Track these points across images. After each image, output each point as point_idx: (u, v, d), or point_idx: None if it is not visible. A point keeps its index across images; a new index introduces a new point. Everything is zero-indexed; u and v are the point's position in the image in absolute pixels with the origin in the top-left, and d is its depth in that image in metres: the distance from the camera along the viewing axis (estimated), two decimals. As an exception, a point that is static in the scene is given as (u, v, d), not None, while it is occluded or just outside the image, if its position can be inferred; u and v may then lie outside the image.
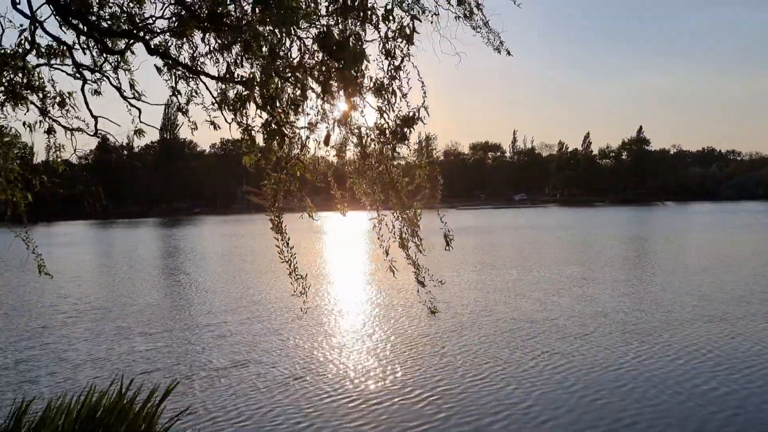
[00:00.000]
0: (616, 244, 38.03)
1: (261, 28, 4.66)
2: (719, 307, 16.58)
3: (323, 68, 4.86)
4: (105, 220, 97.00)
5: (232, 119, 5.32)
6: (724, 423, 8.78)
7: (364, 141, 5.18)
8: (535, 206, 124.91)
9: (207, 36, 5.22)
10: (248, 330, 15.26)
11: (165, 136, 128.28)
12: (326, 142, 5.22)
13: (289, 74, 4.92)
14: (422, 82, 4.92)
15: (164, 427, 7.28)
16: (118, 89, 6.30)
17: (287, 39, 4.68)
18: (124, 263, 33.68)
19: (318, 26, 4.78)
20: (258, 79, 4.89)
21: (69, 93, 6.38)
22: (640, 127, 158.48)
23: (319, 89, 5.00)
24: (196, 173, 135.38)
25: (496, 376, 11.10)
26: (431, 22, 4.91)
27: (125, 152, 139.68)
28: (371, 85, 4.87)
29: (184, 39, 5.47)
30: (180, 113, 6.05)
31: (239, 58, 4.99)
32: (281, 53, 4.74)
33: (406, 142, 5.13)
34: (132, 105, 6.41)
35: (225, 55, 5.11)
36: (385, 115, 5.00)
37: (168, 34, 5.51)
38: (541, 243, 39.96)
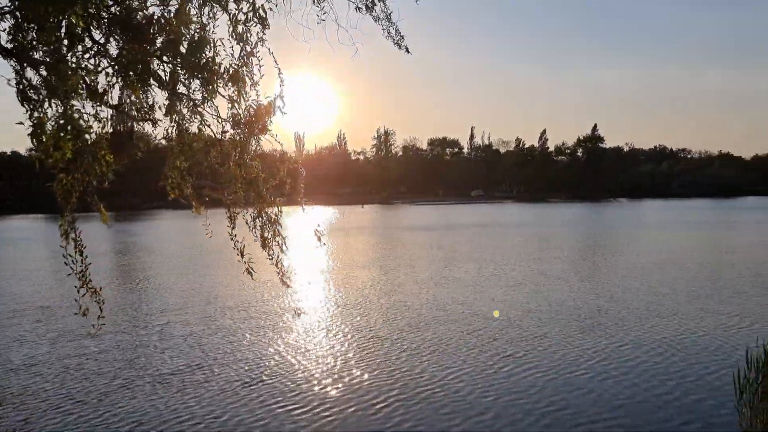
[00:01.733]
0: (570, 241, 38.59)
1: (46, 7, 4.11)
2: (669, 304, 16.88)
3: (132, 54, 4.39)
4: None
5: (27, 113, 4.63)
6: (678, 421, 8.83)
7: (183, 128, 4.79)
8: (492, 202, 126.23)
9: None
10: (198, 332, 14.76)
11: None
12: (130, 135, 4.80)
13: (92, 60, 4.40)
14: (279, 69, 4.62)
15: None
16: None
17: (79, 21, 4.17)
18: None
19: (119, 8, 4.34)
20: (48, 63, 4.34)
21: None
22: (595, 125, 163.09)
23: (117, 77, 4.51)
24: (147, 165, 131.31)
25: (451, 378, 10.95)
26: (276, 4, 4.62)
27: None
28: (222, 71, 4.51)
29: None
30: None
31: (33, 40, 4.42)
32: (81, 36, 4.25)
33: (265, 134, 4.81)
34: None
35: (21, 37, 4.49)
36: (236, 105, 4.65)
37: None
38: (497, 239, 40.26)
